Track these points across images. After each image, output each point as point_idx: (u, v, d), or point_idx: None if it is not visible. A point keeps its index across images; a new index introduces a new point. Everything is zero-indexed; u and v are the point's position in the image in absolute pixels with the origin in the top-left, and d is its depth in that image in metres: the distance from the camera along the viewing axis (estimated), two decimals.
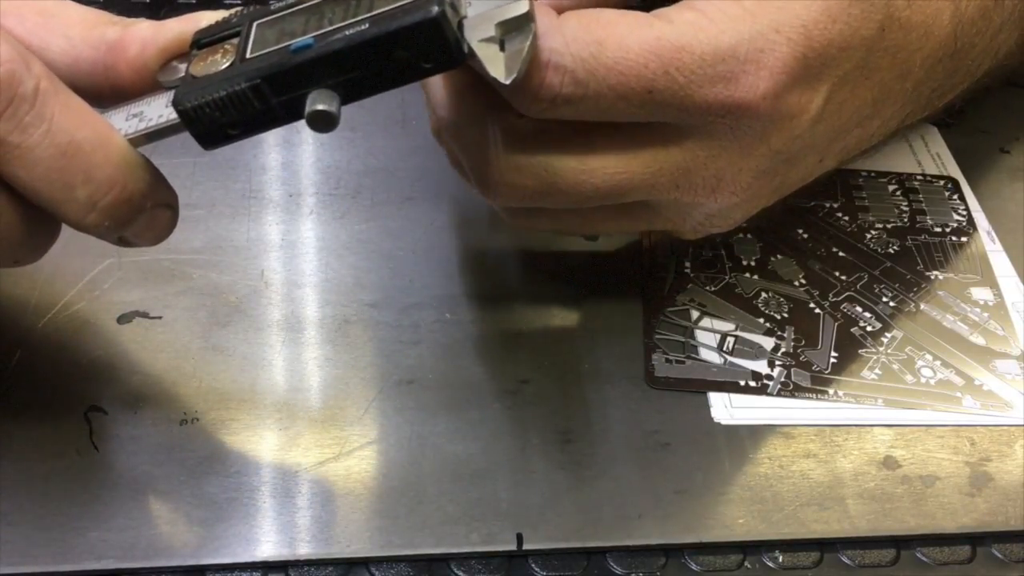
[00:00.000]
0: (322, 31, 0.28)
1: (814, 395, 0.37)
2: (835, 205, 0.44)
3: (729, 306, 0.40)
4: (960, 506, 0.34)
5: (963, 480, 0.35)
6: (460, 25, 0.28)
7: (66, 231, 0.31)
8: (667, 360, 0.37)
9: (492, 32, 0.28)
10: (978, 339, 0.39)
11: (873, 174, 0.46)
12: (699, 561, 0.33)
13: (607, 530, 0.33)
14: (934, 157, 0.47)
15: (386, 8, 0.28)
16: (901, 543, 0.34)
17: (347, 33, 0.27)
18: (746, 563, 0.33)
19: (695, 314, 0.39)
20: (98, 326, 0.37)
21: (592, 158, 0.32)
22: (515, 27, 0.28)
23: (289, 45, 0.28)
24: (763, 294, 0.40)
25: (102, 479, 0.33)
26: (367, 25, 0.27)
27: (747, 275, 0.41)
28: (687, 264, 0.41)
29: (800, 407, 0.36)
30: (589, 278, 0.41)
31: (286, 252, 0.41)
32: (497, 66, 0.28)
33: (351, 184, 0.44)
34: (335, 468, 0.34)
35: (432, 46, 0.27)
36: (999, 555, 0.33)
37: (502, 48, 0.28)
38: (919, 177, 0.46)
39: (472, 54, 0.28)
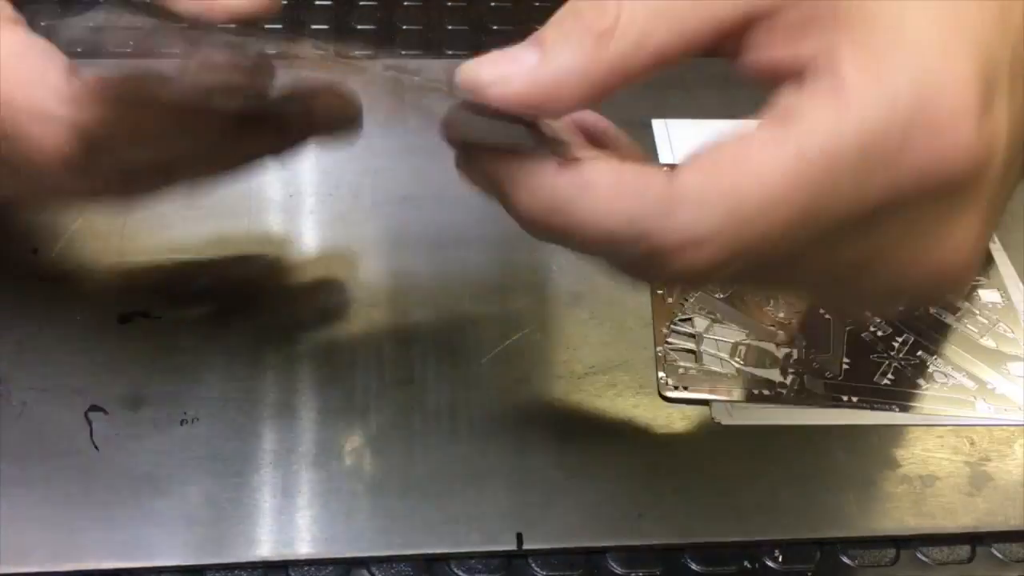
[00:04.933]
0: None
1: (828, 402, 0.37)
2: None
3: (739, 314, 0.39)
4: (960, 506, 0.34)
5: (963, 480, 0.35)
6: None
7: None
8: (679, 370, 0.37)
9: None
10: (988, 342, 0.39)
11: None
12: (699, 561, 0.33)
13: (607, 530, 0.33)
14: None
15: None
16: (901, 543, 0.34)
17: None
18: (746, 563, 0.33)
19: (705, 322, 0.39)
20: (98, 326, 0.37)
21: (759, 271, 0.27)
22: None
23: None
24: (772, 301, 0.40)
25: (102, 479, 0.33)
26: None
27: None
28: None
29: (801, 407, 0.36)
30: (591, 278, 0.40)
31: (286, 252, 0.41)
32: None
33: (351, 184, 0.44)
34: (335, 468, 0.34)
35: None
36: (999, 555, 0.33)
37: None
38: None
39: None
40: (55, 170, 0.30)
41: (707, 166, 0.25)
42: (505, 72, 0.26)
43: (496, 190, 0.27)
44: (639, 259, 0.25)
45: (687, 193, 0.25)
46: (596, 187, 0.26)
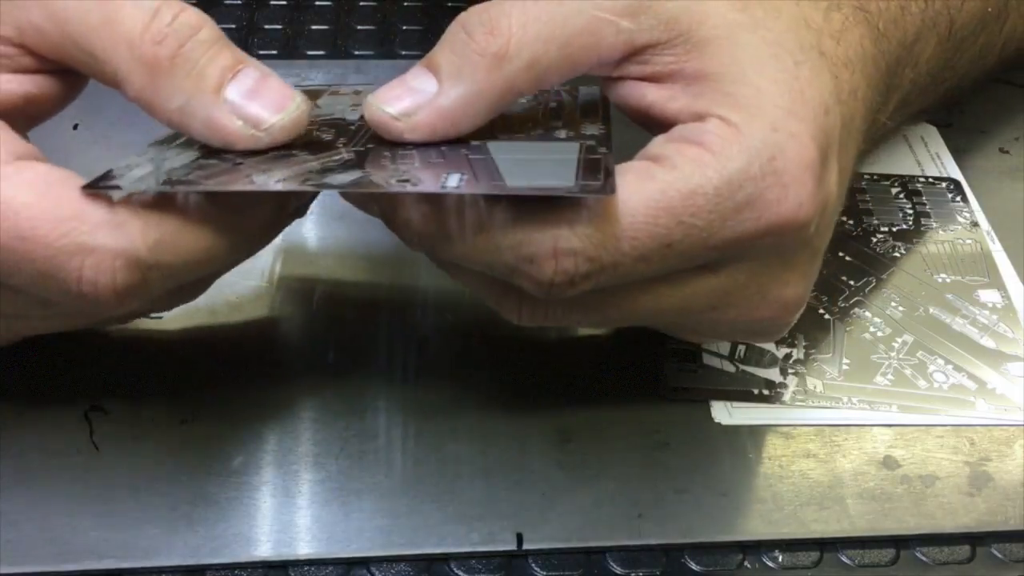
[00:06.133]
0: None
1: (828, 403, 0.37)
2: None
3: None
4: (960, 506, 0.34)
5: (963, 480, 0.35)
6: None
7: None
8: (680, 369, 0.37)
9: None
10: (988, 342, 0.39)
11: (876, 176, 0.46)
12: (699, 561, 0.33)
13: (607, 530, 0.33)
14: (934, 157, 0.47)
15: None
16: (901, 543, 0.34)
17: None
18: (746, 563, 0.33)
19: None
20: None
21: (621, 297, 0.30)
22: None
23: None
24: None
25: (102, 479, 0.33)
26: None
27: None
28: None
29: (800, 407, 0.36)
30: None
31: (287, 252, 0.41)
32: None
33: None
34: (335, 468, 0.34)
35: None
36: (999, 555, 0.33)
37: None
38: (921, 179, 0.46)
39: None
40: (109, 303, 0.28)
41: None
42: (407, 106, 0.29)
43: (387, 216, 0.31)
44: (510, 267, 0.28)
45: (559, 210, 0.27)
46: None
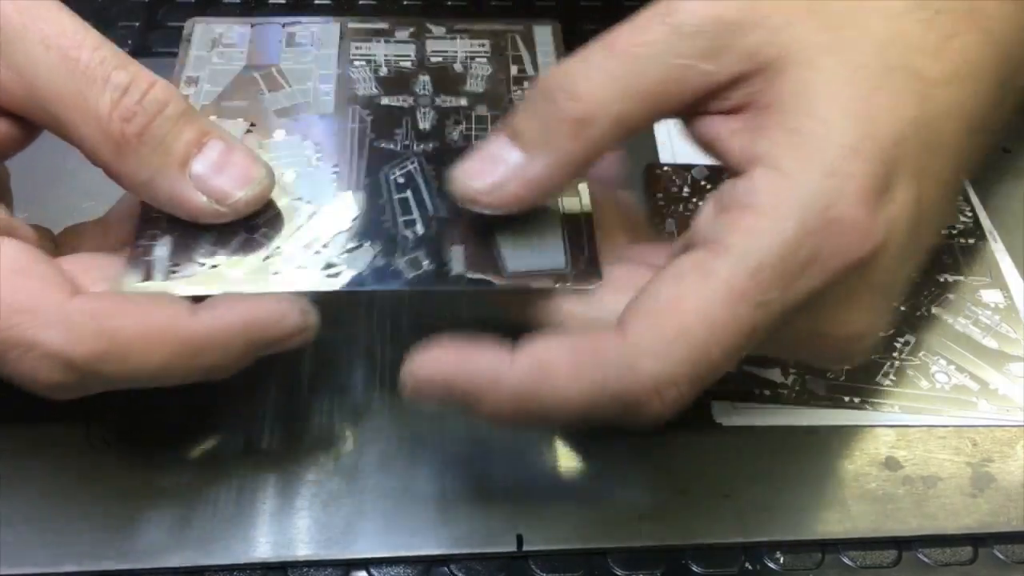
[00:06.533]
0: None
1: (830, 403, 0.37)
2: None
3: None
4: (962, 507, 0.34)
5: (965, 481, 0.35)
6: None
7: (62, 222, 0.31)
8: None
9: None
10: (990, 342, 0.39)
11: None
12: (700, 562, 0.33)
13: (607, 531, 0.33)
14: None
15: None
16: (903, 544, 0.34)
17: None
18: (747, 564, 0.33)
19: None
20: None
21: None
22: None
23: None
24: None
25: (102, 479, 0.33)
26: None
27: None
28: None
29: (802, 408, 0.36)
30: None
31: None
32: None
33: None
34: (334, 469, 0.34)
35: None
36: (1001, 556, 0.33)
37: None
38: None
39: None
40: (46, 394, 0.28)
41: (652, 314, 0.27)
42: (496, 180, 0.29)
43: (458, 405, 0.28)
44: (615, 415, 0.27)
45: (643, 344, 0.26)
46: (556, 369, 0.27)
